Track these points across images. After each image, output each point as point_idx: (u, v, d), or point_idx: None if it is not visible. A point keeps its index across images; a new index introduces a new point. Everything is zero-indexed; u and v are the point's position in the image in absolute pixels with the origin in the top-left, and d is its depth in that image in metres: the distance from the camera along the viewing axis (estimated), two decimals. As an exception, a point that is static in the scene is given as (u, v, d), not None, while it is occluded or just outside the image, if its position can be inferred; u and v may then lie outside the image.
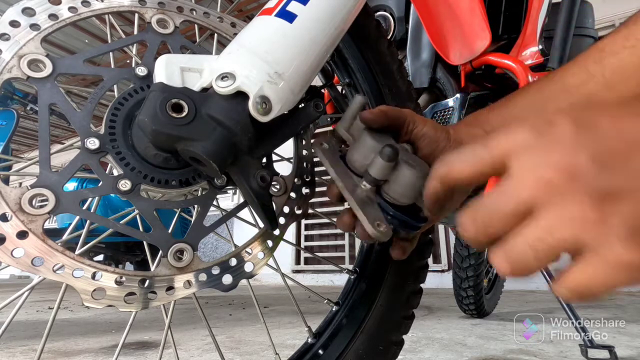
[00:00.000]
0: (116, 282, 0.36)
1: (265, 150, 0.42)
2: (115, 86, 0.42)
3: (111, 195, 0.39)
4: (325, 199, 0.47)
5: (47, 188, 0.35)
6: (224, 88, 0.36)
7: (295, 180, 0.49)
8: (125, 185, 0.38)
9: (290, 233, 5.45)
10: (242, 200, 0.47)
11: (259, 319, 1.80)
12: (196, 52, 0.47)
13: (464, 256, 1.91)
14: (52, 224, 2.88)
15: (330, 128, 0.83)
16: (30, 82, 0.37)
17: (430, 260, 2.70)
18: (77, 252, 0.37)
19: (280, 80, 0.38)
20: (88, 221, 0.41)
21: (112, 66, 0.44)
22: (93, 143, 0.37)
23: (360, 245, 0.61)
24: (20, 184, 0.41)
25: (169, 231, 0.40)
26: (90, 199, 0.40)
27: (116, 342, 1.51)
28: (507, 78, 0.99)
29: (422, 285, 0.61)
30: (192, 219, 0.43)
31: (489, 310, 2.05)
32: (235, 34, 0.50)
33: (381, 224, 0.37)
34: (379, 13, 1.13)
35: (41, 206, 0.35)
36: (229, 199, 5.62)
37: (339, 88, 0.74)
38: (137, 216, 0.45)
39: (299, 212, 0.49)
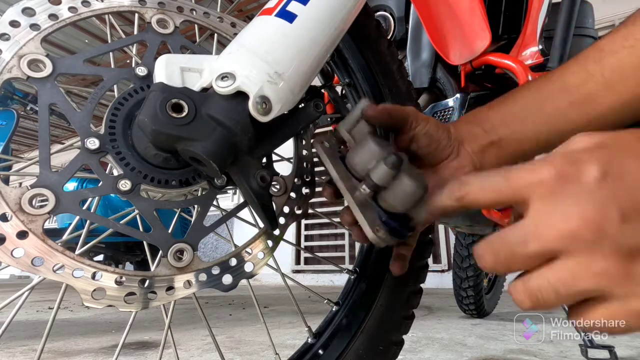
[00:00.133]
0: (116, 282, 0.36)
1: (265, 150, 0.42)
2: (115, 86, 0.42)
3: (111, 195, 0.39)
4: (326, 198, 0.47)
5: (47, 188, 0.35)
6: (224, 88, 0.36)
7: (295, 180, 0.49)
8: (125, 185, 0.38)
9: (290, 233, 5.45)
10: (242, 200, 0.47)
11: (259, 319, 1.80)
12: (196, 52, 0.47)
13: (464, 256, 1.91)
14: (52, 224, 2.88)
15: (331, 128, 0.83)
16: (30, 82, 0.37)
17: (430, 260, 2.70)
18: (77, 252, 0.37)
19: (280, 80, 0.38)
20: (88, 221, 0.41)
21: (112, 66, 0.44)
22: (93, 143, 0.37)
23: (360, 245, 0.61)
24: (20, 184, 0.41)
25: (169, 231, 0.40)
26: (90, 199, 0.40)
27: (116, 342, 1.51)
28: (507, 78, 0.99)
29: (422, 285, 0.61)
30: (192, 219, 0.43)
31: (489, 310, 2.06)
32: (235, 34, 0.50)
33: (380, 229, 0.37)
34: (379, 13, 1.13)
35: (41, 206, 0.35)
36: (229, 199, 5.62)
37: (339, 89, 0.74)
38: (137, 216, 0.45)
39: (299, 212, 0.49)
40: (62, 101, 0.38)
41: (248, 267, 0.43)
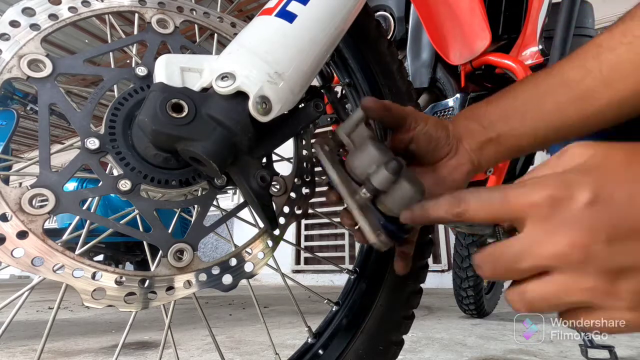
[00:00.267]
0: (116, 282, 0.36)
1: (265, 150, 0.42)
2: (115, 86, 0.42)
3: (111, 195, 0.39)
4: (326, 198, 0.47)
5: (47, 188, 0.35)
6: (224, 88, 0.36)
7: (295, 180, 0.49)
8: (125, 185, 0.38)
9: (290, 233, 5.45)
10: (242, 200, 0.47)
11: (259, 319, 1.80)
12: (196, 52, 0.47)
13: (464, 256, 1.91)
14: (52, 224, 2.88)
15: (331, 128, 0.83)
16: (30, 82, 0.37)
17: (430, 260, 2.70)
18: (77, 252, 0.37)
19: (280, 80, 0.38)
20: (88, 221, 0.41)
21: (112, 66, 0.44)
22: (93, 143, 0.37)
23: (360, 245, 0.61)
24: (20, 184, 0.41)
25: (169, 231, 0.40)
26: (90, 199, 0.40)
27: (116, 342, 1.51)
28: (507, 78, 0.99)
29: (422, 285, 0.61)
30: (192, 219, 0.43)
31: (489, 310, 2.05)
32: (235, 34, 0.50)
33: (381, 234, 0.38)
34: (379, 13, 1.13)
35: (41, 206, 0.35)
36: (229, 199, 5.62)
37: (339, 89, 0.74)
38: (137, 216, 0.45)
39: (299, 212, 0.49)
40: (62, 101, 0.38)
41: (248, 267, 0.43)
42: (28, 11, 0.38)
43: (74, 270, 0.35)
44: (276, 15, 0.40)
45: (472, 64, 1.00)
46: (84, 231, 0.43)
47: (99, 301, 0.35)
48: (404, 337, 0.58)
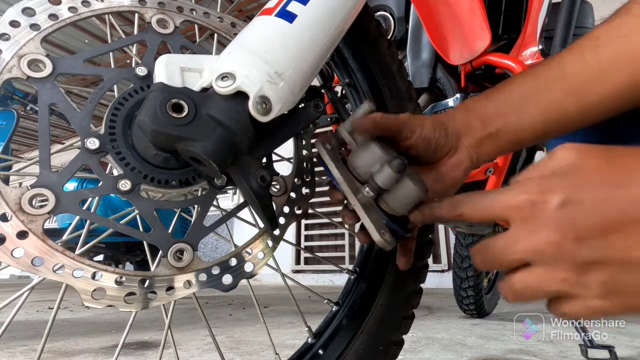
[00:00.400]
0: (116, 282, 0.36)
1: (265, 150, 0.42)
2: (115, 86, 0.42)
3: (111, 195, 0.39)
4: (325, 198, 0.47)
5: (47, 188, 0.35)
6: (224, 88, 0.36)
7: (295, 180, 0.49)
8: (125, 185, 0.38)
9: (290, 233, 5.45)
10: (242, 200, 0.47)
11: (259, 319, 1.80)
12: (196, 52, 0.47)
13: (464, 256, 1.91)
14: (52, 224, 2.88)
15: (331, 128, 0.83)
16: (30, 82, 0.37)
17: (430, 260, 2.70)
18: (77, 252, 0.37)
19: (280, 80, 0.38)
20: (88, 221, 0.41)
21: (112, 66, 0.44)
22: (93, 143, 0.37)
23: (360, 245, 0.61)
24: (20, 184, 0.41)
25: (169, 231, 0.40)
26: (90, 199, 0.40)
27: (116, 342, 1.51)
28: (507, 78, 0.99)
29: (422, 285, 0.61)
30: (192, 219, 0.43)
31: (489, 310, 2.05)
32: (235, 34, 0.50)
33: (386, 233, 0.38)
34: (379, 13, 1.13)
35: (41, 206, 0.35)
36: (229, 199, 5.62)
37: (338, 89, 0.74)
38: (137, 216, 0.45)
39: (299, 212, 0.49)
40: (62, 101, 0.38)
41: (248, 267, 0.43)
42: (28, 11, 0.38)
43: (74, 270, 0.35)
44: (276, 15, 0.40)
45: (472, 64, 1.00)
46: (84, 231, 0.43)
47: (99, 301, 0.35)
48: (404, 337, 0.58)
